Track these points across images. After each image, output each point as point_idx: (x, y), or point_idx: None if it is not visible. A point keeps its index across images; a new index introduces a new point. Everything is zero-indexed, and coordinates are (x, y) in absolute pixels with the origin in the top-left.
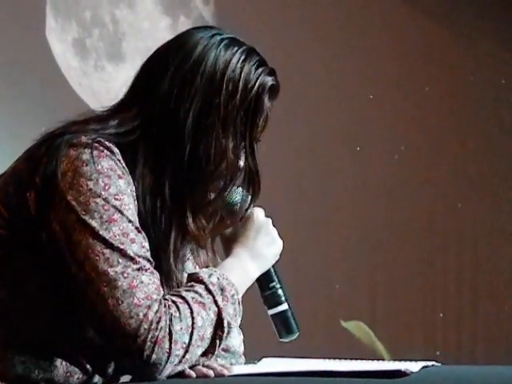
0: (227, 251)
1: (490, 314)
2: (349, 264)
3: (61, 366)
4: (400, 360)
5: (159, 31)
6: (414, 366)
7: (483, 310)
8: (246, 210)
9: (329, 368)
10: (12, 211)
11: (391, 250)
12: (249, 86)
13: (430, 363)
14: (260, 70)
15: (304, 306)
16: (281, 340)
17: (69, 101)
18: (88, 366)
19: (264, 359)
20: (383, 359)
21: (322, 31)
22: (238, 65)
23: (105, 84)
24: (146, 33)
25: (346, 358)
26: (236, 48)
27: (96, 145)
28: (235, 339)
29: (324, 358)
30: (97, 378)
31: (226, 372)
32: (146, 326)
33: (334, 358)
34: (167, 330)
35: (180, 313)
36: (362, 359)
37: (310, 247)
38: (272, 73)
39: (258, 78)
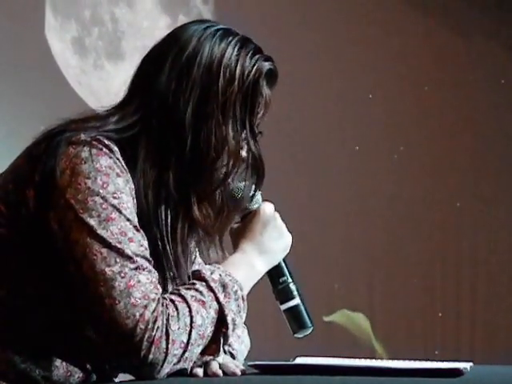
0: (235, 247)
1: (489, 314)
2: (347, 263)
3: (61, 365)
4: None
5: (158, 30)
6: (463, 365)
7: (482, 309)
8: (252, 197)
9: (387, 365)
10: (12, 209)
11: (390, 249)
12: (246, 72)
13: (468, 364)
14: (256, 56)
15: None
16: (295, 335)
17: (68, 99)
18: (88, 365)
19: (298, 358)
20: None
21: (322, 30)
22: (234, 53)
23: (104, 83)
24: (145, 32)
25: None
26: (231, 38)
27: (95, 143)
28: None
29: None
30: (95, 377)
31: (238, 371)
32: (142, 326)
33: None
34: (164, 329)
35: (178, 312)
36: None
37: (309, 247)
38: (268, 59)
39: (254, 64)
